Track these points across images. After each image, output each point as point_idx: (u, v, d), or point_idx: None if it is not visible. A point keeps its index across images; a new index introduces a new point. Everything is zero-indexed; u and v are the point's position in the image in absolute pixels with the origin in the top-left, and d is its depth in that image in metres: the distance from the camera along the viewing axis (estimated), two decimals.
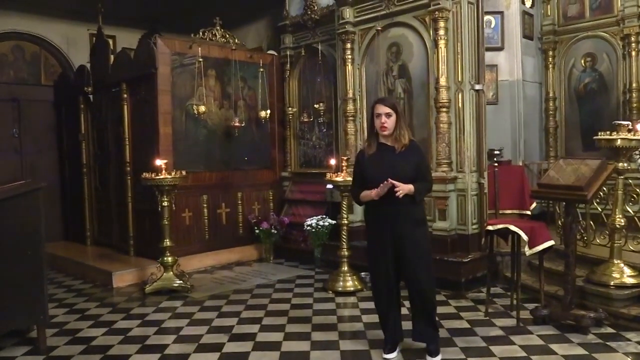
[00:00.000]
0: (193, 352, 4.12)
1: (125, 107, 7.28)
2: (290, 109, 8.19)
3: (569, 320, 4.44)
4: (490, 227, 4.76)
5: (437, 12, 5.94)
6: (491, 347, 4.07)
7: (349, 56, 6.85)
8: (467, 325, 4.59)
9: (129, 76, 7.21)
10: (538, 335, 4.30)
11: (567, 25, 7.87)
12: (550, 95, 8.08)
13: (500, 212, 6.64)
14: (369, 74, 6.81)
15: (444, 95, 5.96)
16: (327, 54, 7.54)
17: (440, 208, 6.12)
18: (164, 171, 5.82)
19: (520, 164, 7.82)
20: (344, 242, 6.01)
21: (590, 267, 5.01)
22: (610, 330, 4.36)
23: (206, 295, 5.82)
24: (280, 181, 8.35)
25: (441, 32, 5.93)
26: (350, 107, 6.89)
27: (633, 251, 5.09)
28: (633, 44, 7.06)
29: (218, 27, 7.57)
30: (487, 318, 4.80)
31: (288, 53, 8.13)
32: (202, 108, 6.94)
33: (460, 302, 5.36)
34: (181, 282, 5.95)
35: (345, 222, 6.04)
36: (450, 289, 5.68)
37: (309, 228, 7.17)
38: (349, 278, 5.91)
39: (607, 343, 4.10)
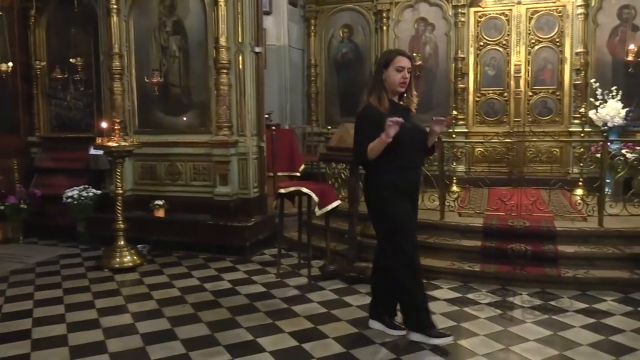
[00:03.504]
0: None
1: None
2: (37, 62, 7.00)
3: (352, 273, 4.82)
4: (282, 190, 4.84)
5: None
6: (293, 308, 4.18)
7: (114, 6, 6.11)
8: (263, 289, 4.63)
9: None
10: (330, 290, 4.57)
11: None
12: (312, 62, 8.52)
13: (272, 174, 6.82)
14: (138, 28, 6.21)
15: (224, 55, 5.78)
16: (86, 2, 6.59)
17: (221, 173, 5.99)
18: None
19: (287, 127, 8.13)
20: (119, 213, 5.46)
21: (363, 223, 5.49)
22: None
23: None
24: (27, 148, 7.15)
25: None
26: (116, 63, 6.19)
27: None
28: (384, 19, 7.84)
29: None
30: (279, 279, 4.92)
31: None
32: None
33: (247, 266, 5.38)
34: None
35: (120, 191, 5.47)
36: (235, 254, 5.67)
37: (69, 200, 6.33)
38: (127, 253, 5.44)
39: None
